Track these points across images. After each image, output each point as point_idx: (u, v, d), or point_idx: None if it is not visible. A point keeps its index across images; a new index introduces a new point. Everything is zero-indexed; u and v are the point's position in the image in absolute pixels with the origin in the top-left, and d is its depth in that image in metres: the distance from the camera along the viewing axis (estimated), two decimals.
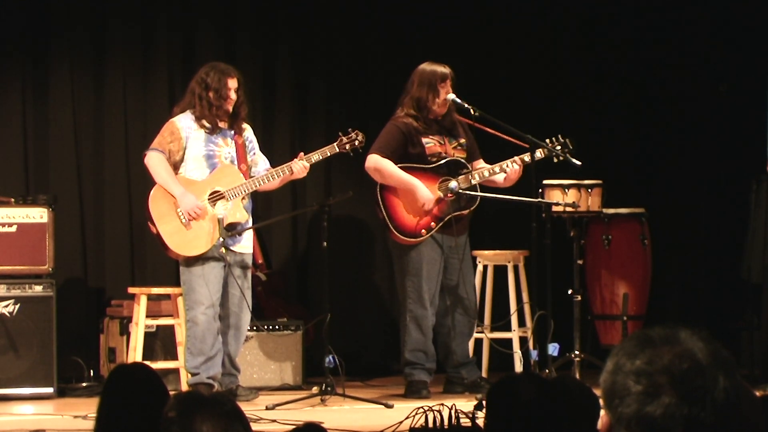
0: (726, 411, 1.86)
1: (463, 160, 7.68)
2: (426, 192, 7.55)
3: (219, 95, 7.33)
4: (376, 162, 7.56)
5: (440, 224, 7.59)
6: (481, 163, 7.74)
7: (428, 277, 7.59)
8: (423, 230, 7.58)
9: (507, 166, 7.62)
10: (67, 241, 8.37)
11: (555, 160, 7.60)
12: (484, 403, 3.62)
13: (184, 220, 7.26)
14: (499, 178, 7.67)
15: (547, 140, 7.59)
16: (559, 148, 7.58)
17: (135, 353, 7.64)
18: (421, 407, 4.95)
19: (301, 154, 7.48)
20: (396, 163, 7.58)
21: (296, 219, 9.01)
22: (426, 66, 7.65)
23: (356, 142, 7.53)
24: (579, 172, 7.57)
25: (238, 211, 7.34)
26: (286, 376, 8.17)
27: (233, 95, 7.37)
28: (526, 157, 7.52)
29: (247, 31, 9.00)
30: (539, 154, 7.49)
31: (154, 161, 7.34)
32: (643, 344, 1.93)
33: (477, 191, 7.64)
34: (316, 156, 7.48)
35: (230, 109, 7.39)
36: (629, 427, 1.89)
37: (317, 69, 9.12)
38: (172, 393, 3.30)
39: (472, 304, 7.75)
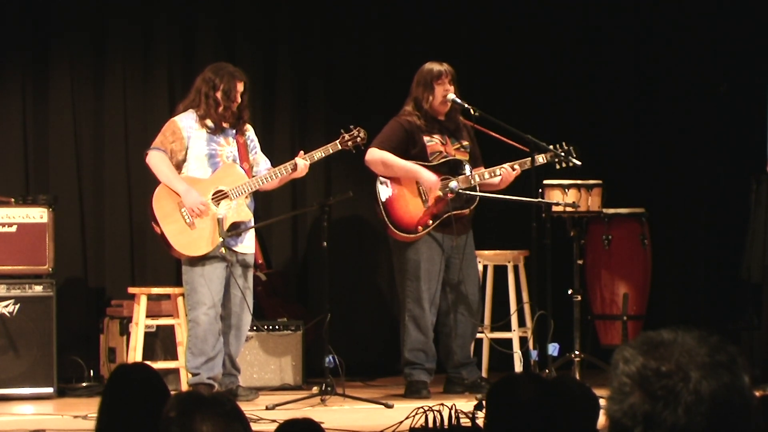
0: (696, 412, 1.86)
1: (463, 160, 7.68)
2: (430, 174, 7.55)
3: (228, 97, 7.33)
4: (378, 154, 7.56)
5: (437, 222, 7.59)
6: (481, 170, 7.74)
7: (427, 277, 7.59)
8: (420, 227, 7.58)
9: (499, 171, 7.61)
10: (67, 241, 8.36)
11: (557, 167, 7.62)
12: (484, 403, 3.62)
13: (188, 220, 7.25)
14: (495, 180, 7.68)
15: (551, 146, 7.59)
16: (563, 154, 7.58)
17: (135, 353, 7.64)
18: (421, 407, 4.95)
19: (302, 152, 7.48)
20: None
21: (296, 219, 9.01)
22: (425, 65, 7.68)
23: (358, 139, 7.52)
24: (579, 171, 7.57)
25: (241, 210, 7.33)
26: (286, 376, 8.17)
27: (239, 98, 7.37)
28: (528, 163, 7.52)
29: (247, 31, 9.00)
30: (542, 159, 7.51)
31: (156, 160, 7.33)
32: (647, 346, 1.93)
33: (476, 191, 7.64)
34: (318, 153, 7.47)
35: (235, 111, 7.39)
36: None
37: (317, 69, 9.11)
38: (172, 393, 3.30)
39: (474, 305, 7.73)
